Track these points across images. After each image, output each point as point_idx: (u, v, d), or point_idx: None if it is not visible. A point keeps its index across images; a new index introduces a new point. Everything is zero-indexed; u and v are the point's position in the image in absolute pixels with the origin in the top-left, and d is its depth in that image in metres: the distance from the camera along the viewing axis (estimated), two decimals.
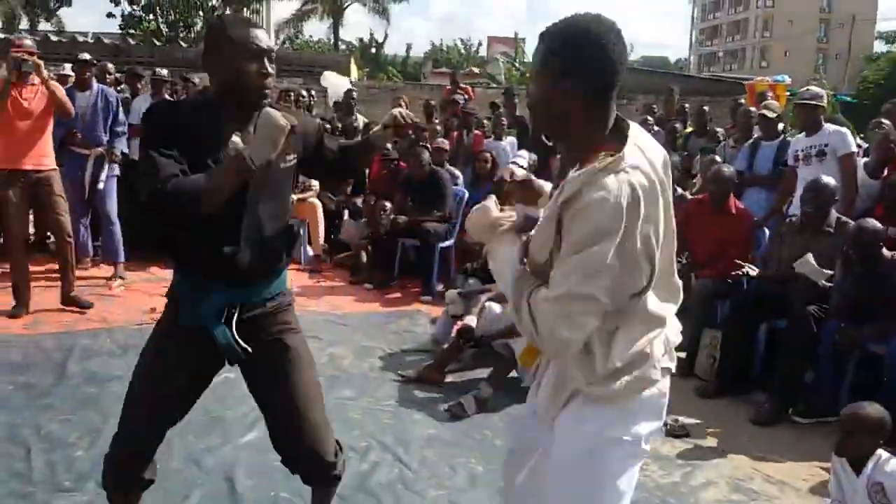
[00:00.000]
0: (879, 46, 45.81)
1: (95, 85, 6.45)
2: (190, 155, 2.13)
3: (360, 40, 36.18)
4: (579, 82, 1.63)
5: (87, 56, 6.53)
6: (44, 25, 25.48)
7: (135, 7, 20.48)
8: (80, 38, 13.84)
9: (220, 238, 2.22)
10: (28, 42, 5.51)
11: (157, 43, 16.73)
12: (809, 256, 4.42)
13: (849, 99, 21.15)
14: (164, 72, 7.75)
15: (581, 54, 1.63)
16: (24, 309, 5.42)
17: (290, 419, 2.39)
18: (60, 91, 5.50)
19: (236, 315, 2.28)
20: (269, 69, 2.19)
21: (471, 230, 1.94)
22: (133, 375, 2.38)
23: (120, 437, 2.38)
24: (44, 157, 5.40)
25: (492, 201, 1.92)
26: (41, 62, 5.28)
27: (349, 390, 4.37)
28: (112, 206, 6.44)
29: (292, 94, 9.63)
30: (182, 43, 16.70)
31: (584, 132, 1.69)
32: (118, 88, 7.56)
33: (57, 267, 6.41)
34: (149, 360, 2.36)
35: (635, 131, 1.72)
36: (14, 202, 5.33)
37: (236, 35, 2.16)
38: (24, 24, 24.54)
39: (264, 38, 2.19)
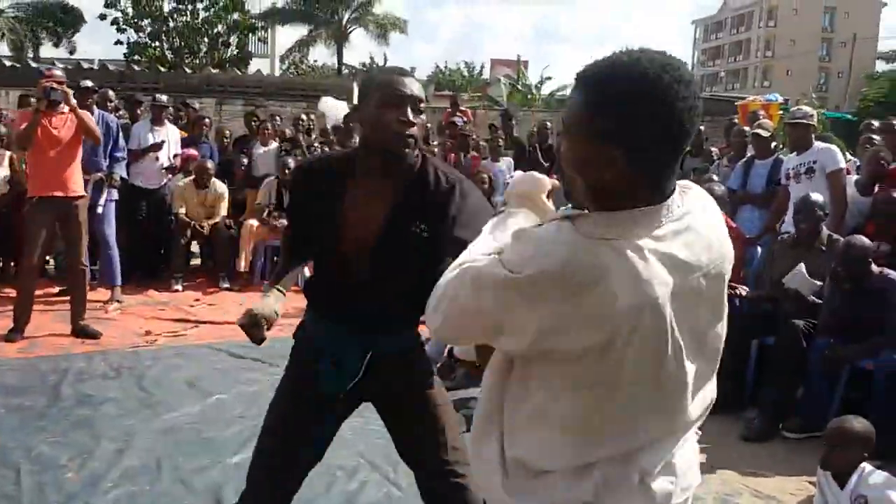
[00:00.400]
0: (881, 66, 46.10)
1: (96, 111, 6.52)
2: (325, 210, 2.14)
3: (363, 65, 36.44)
4: (634, 150, 1.21)
5: (88, 83, 6.63)
6: (54, 52, 25.69)
7: (140, 34, 20.71)
8: (86, 65, 13.98)
9: (342, 288, 2.21)
10: (58, 73, 5.63)
11: (162, 69, 16.90)
12: (801, 267, 4.43)
13: (849, 117, 21.25)
14: (164, 97, 7.82)
15: (638, 111, 1.20)
16: (20, 334, 5.44)
17: (436, 471, 2.30)
18: (89, 118, 5.62)
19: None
20: (411, 117, 2.03)
21: (515, 187, 1.63)
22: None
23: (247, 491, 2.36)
24: (73, 183, 5.48)
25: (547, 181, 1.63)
26: (70, 91, 5.40)
27: None
28: (110, 230, 6.48)
29: (302, 120, 9.81)
30: (186, 69, 16.85)
31: (629, 201, 1.25)
32: (118, 114, 7.66)
33: (54, 291, 6.50)
34: (280, 393, 2.36)
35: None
36: (40, 229, 5.39)
37: (381, 81, 2.06)
38: (30, 52, 24.76)
39: (410, 85, 2.04)
